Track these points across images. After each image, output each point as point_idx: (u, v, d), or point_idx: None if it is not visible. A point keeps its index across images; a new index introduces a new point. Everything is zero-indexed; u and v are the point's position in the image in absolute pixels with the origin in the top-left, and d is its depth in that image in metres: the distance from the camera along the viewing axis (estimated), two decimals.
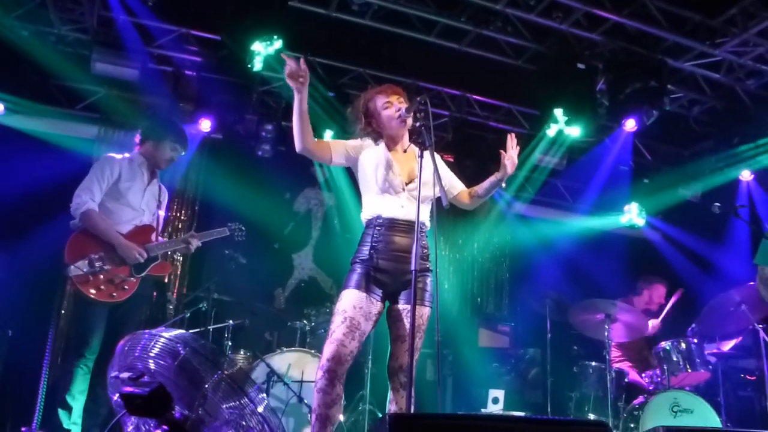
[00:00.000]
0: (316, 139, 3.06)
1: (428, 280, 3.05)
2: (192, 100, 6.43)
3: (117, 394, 2.17)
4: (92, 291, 3.74)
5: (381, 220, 3.02)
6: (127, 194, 4.01)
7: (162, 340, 2.16)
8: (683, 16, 5.88)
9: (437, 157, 3.03)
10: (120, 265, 3.88)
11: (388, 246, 2.97)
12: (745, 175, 7.21)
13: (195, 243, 4.32)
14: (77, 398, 3.71)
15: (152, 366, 2.12)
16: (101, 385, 3.66)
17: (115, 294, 3.83)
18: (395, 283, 2.99)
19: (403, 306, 3.00)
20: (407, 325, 2.95)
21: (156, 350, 2.15)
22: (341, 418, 4.95)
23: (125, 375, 2.06)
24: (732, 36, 5.92)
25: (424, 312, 2.99)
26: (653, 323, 5.61)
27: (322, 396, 2.77)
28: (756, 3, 5.63)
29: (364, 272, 2.95)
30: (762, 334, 4.73)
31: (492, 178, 3.28)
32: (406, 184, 3.07)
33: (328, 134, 6.70)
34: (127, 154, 4.18)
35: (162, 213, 4.33)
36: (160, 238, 4.22)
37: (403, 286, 3.00)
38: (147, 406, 1.97)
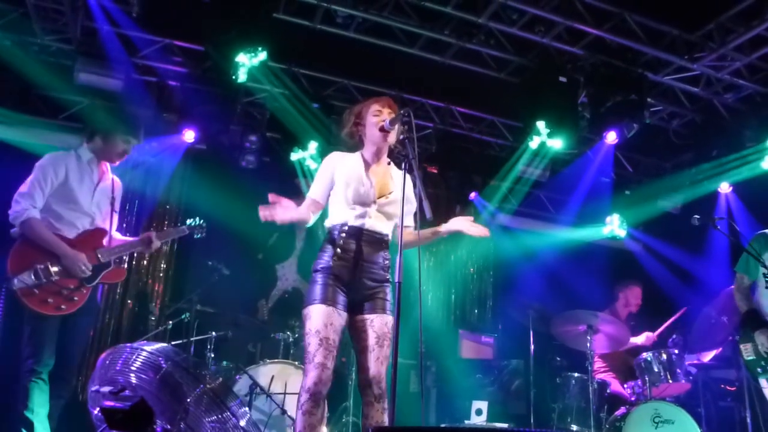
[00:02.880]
0: (306, 208, 3.14)
1: (387, 290, 3.05)
2: (176, 111, 6.42)
3: (97, 408, 2.14)
4: (38, 304, 3.47)
5: (347, 228, 3.02)
6: (77, 196, 3.72)
7: (144, 353, 2.13)
8: (662, 31, 5.99)
9: (409, 180, 3.01)
10: (68, 275, 3.58)
11: (351, 255, 2.97)
12: (724, 188, 7.32)
13: (154, 244, 4.03)
14: (37, 412, 3.44)
15: (134, 380, 2.10)
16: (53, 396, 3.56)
17: (63, 306, 3.54)
18: (357, 293, 2.98)
19: (366, 316, 2.99)
20: (372, 335, 2.94)
21: (138, 364, 2.12)
22: (324, 431, 4.93)
23: (106, 389, 2.03)
24: (710, 50, 6.04)
25: (389, 320, 2.99)
26: (648, 335, 5.66)
27: (308, 418, 2.74)
28: (733, 18, 5.76)
29: (327, 282, 2.93)
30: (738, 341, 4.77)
31: (437, 229, 3.21)
32: (377, 198, 3.07)
33: (313, 146, 6.71)
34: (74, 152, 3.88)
35: (117, 207, 4.02)
36: (119, 238, 3.94)
37: (365, 297, 3.00)
38: (128, 421, 1.94)
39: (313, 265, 3.04)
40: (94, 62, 5.75)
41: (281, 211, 3.03)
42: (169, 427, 2.05)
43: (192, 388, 2.08)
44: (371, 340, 2.94)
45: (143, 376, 2.10)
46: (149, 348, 2.18)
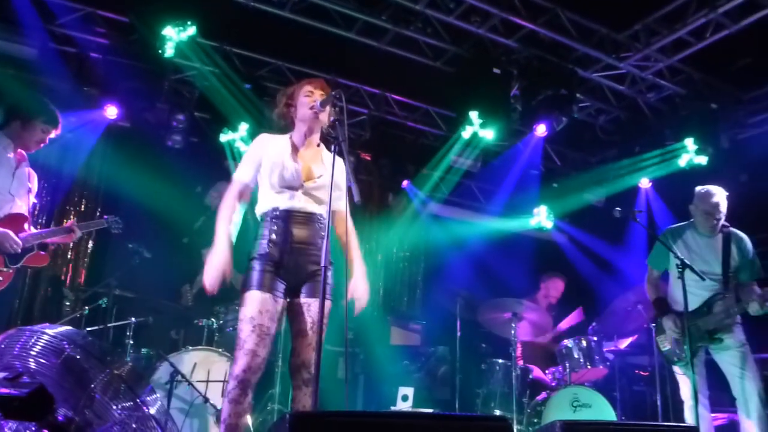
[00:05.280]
0: (233, 206, 3.01)
1: (329, 274, 2.99)
2: (97, 85, 6.09)
3: None
4: None
5: (278, 213, 2.94)
6: None
7: (45, 337, 1.98)
8: (592, 29, 6.17)
9: (341, 163, 2.96)
10: None
11: (288, 238, 2.90)
12: (644, 183, 7.65)
13: (76, 233, 4.07)
14: None
15: (33, 365, 1.94)
16: None
17: None
18: (296, 277, 2.92)
19: (304, 300, 2.92)
20: (309, 320, 2.89)
21: (38, 348, 1.97)
22: (249, 419, 4.83)
23: (0, 375, 1.88)
24: (636, 51, 6.27)
25: (327, 306, 2.91)
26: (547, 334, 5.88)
27: (234, 406, 2.67)
28: (658, 20, 5.99)
29: (265, 269, 2.85)
30: (654, 332, 5.01)
31: (356, 274, 3.07)
32: (305, 181, 3.00)
33: (244, 127, 6.52)
34: None
35: (33, 200, 4.00)
36: (32, 227, 3.89)
37: (304, 280, 2.93)
38: (25, 409, 1.79)
39: (249, 254, 2.95)
40: (5, 27, 5.34)
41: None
42: (71, 414, 1.92)
43: (98, 374, 1.95)
44: (306, 324, 2.89)
45: (43, 361, 1.95)
46: (51, 331, 2.03)
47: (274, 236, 2.90)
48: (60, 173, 6.22)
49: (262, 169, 3.03)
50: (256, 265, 2.88)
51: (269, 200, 2.99)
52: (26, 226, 3.78)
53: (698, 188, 4.40)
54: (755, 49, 6.04)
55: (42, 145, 3.91)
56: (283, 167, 2.96)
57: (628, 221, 6.95)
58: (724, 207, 4.27)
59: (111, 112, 6.13)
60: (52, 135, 3.93)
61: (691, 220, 4.43)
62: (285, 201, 2.95)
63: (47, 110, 3.91)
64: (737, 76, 6.56)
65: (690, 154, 6.77)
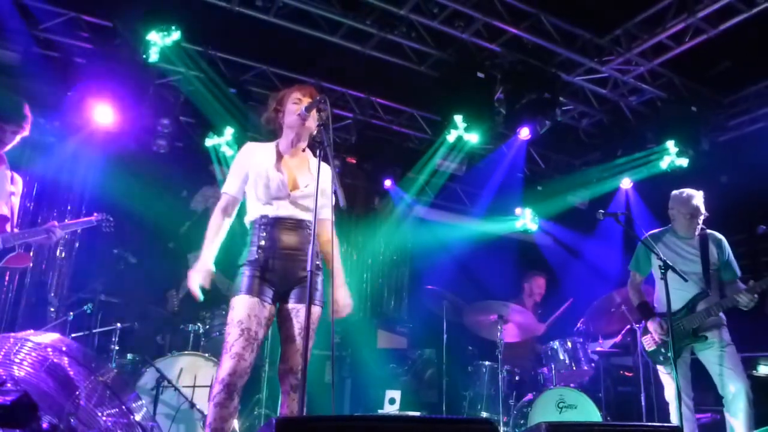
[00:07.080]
0: (222, 217, 3.07)
1: (319, 279, 3.01)
2: (82, 90, 6.02)
3: None
4: None
5: (266, 220, 2.96)
6: None
7: (29, 344, 1.98)
8: (574, 33, 6.24)
9: (328, 168, 2.97)
10: None
11: (276, 244, 2.92)
12: (626, 185, 7.74)
13: (58, 233, 3.97)
14: None
15: (17, 372, 1.94)
16: None
17: None
18: (285, 283, 2.94)
19: (293, 305, 2.94)
20: (297, 325, 2.90)
21: (22, 355, 1.96)
22: (236, 424, 4.82)
23: None
24: (617, 55, 6.35)
25: (316, 311, 2.94)
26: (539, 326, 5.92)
27: (220, 410, 2.67)
28: (638, 25, 6.08)
29: (254, 275, 2.87)
30: (639, 333, 5.06)
31: (337, 282, 3.08)
32: (291, 191, 3.01)
33: (229, 132, 6.51)
34: None
35: (17, 201, 3.91)
36: (15, 229, 3.82)
37: (294, 285, 2.95)
38: (9, 417, 1.79)
39: (239, 260, 2.97)
40: None
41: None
42: (56, 421, 1.92)
43: (83, 380, 1.95)
44: (295, 330, 2.90)
45: (28, 368, 1.94)
46: (35, 338, 2.02)
47: (263, 242, 2.92)
48: (44, 178, 6.18)
49: (249, 180, 3.05)
50: (246, 271, 2.89)
51: (257, 209, 3.01)
52: (8, 227, 3.73)
53: (675, 192, 4.45)
54: (734, 53, 6.15)
55: (8, 144, 3.73)
56: (269, 179, 2.98)
57: (611, 223, 7.01)
58: (704, 208, 4.35)
59: (96, 116, 6.08)
60: (17, 131, 3.73)
61: (669, 225, 4.49)
62: (273, 210, 2.98)
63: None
64: (717, 79, 6.68)
65: (671, 156, 6.86)
